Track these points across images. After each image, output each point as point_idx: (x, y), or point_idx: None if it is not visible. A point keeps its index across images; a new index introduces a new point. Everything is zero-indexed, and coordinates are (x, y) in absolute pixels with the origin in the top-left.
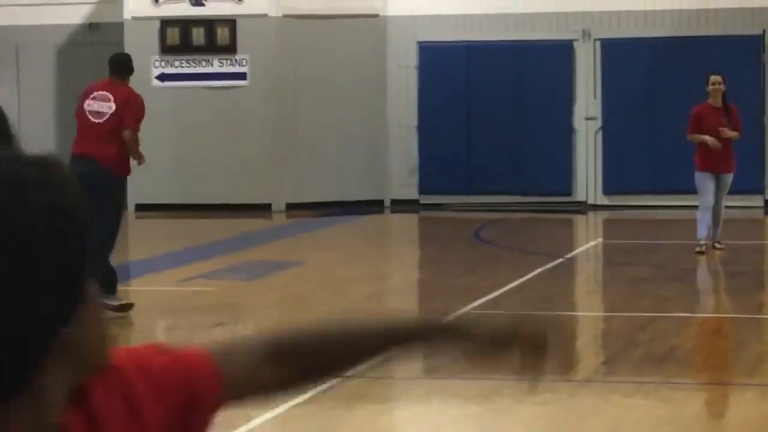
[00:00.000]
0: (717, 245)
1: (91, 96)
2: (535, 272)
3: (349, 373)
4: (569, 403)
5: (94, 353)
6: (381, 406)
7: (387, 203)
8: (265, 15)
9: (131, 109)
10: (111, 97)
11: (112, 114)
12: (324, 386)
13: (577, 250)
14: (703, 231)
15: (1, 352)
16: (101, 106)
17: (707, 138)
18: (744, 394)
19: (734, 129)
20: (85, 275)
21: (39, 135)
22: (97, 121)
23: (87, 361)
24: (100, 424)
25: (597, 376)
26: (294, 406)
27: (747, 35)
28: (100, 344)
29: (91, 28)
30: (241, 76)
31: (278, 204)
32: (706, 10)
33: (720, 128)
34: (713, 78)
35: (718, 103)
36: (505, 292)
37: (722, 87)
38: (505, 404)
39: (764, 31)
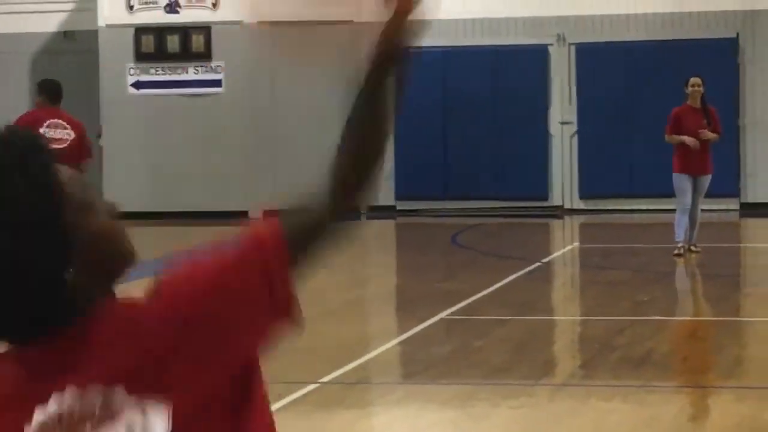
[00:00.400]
0: (693, 248)
1: (45, 124)
2: (513, 277)
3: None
4: (546, 407)
5: (113, 252)
6: (359, 411)
7: (363, 209)
8: (240, 22)
9: (88, 141)
10: (65, 124)
11: (72, 141)
12: (302, 392)
13: (555, 255)
14: (680, 233)
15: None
16: (59, 133)
17: (686, 138)
18: (721, 396)
19: (713, 131)
20: (65, 210)
21: None
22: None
23: (112, 260)
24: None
25: (574, 380)
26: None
27: (721, 38)
28: (115, 244)
29: (65, 36)
30: (217, 83)
31: (255, 211)
32: (681, 14)
33: (699, 130)
34: (693, 80)
35: (698, 104)
36: (482, 296)
37: (701, 89)
38: (482, 408)
39: (738, 34)
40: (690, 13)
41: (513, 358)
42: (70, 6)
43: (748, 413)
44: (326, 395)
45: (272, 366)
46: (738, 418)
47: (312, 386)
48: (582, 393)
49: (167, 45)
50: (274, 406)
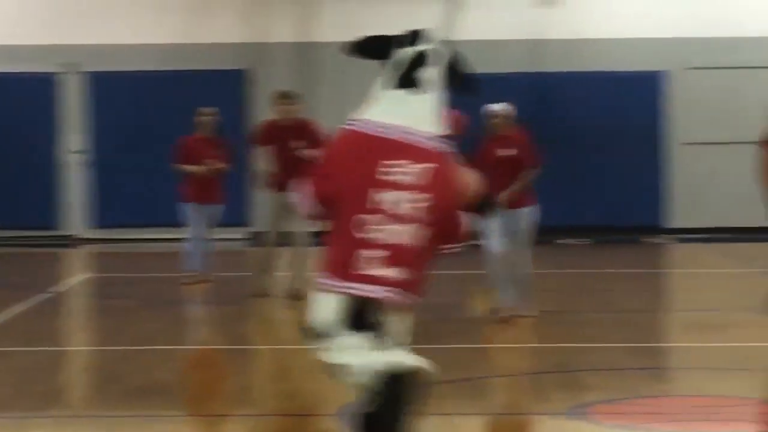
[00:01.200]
0: (203, 277)
1: None
2: (21, 308)
3: None
4: None
5: None
6: None
7: None
8: None
9: None
10: None
11: None
12: None
13: (66, 285)
14: (190, 263)
15: None
16: None
17: (193, 168)
18: (227, 425)
19: (223, 161)
20: None
21: None
22: None
23: None
24: None
25: (80, 411)
26: None
27: (231, 70)
28: None
29: None
30: None
31: None
32: (191, 45)
33: (208, 159)
34: (203, 110)
35: (208, 134)
36: None
37: (212, 118)
38: None
39: (247, 65)
40: (200, 45)
41: (16, 390)
42: None
43: None
44: None
45: None
46: None
47: None
48: (87, 424)
49: None
50: None
